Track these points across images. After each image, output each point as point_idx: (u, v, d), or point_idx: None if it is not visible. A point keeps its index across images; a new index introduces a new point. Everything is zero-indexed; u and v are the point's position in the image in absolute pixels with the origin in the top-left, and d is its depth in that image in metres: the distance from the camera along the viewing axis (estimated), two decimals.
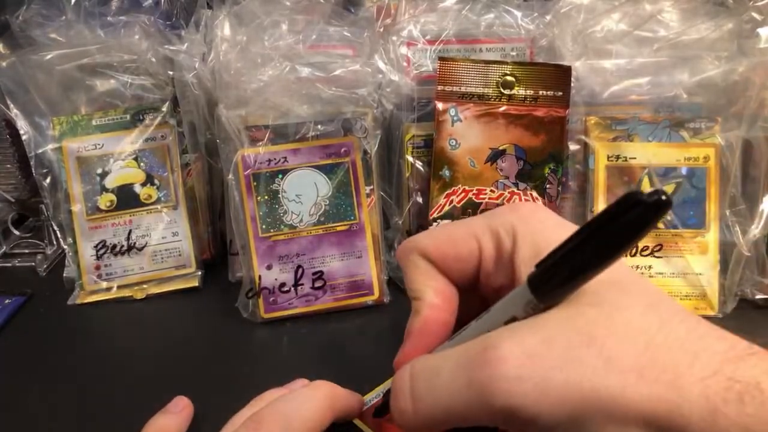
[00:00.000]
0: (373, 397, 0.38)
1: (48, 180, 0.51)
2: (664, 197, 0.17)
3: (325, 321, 0.47)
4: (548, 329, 0.21)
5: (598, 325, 0.21)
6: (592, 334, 0.20)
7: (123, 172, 0.51)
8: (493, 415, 0.21)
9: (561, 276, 0.21)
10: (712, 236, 0.46)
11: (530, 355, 0.20)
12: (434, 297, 0.28)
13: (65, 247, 0.52)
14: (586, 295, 0.22)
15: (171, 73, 0.50)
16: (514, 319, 0.23)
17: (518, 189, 0.46)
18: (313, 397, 0.32)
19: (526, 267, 0.25)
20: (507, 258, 0.26)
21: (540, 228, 0.26)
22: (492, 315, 0.25)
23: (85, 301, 0.50)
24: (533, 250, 0.25)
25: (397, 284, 0.51)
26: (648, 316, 0.21)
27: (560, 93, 0.45)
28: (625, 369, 0.19)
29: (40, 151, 0.50)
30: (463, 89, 0.46)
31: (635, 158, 0.46)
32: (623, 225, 0.18)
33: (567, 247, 0.21)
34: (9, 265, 0.57)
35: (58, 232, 0.53)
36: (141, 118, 0.51)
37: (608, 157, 0.46)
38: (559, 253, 0.21)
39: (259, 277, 0.46)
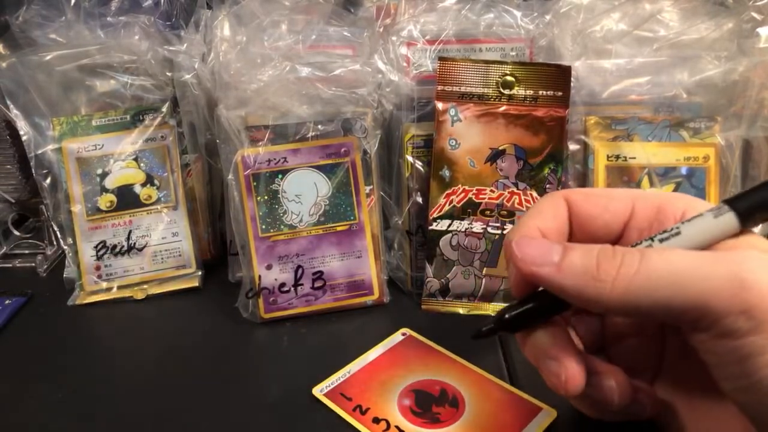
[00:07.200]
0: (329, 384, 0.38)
1: (48, 180, 0.51)
2: None
3: (325, 321, 0.47)
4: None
5: None
6: None
7: (123, 173, 0.51)
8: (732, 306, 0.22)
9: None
10: None
11: None
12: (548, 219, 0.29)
13: (65, 247, 0.52)
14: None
15: (171, 73, 0.50)
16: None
17: (518, 189, 0.46)
18: None
19: None
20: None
21: None
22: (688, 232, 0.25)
23: (85, 301, 0.50)
24: None
25: (397, 284, 0.51)
26: None
27: (560, 93, 0.45)
28: None
29: (40, 151, 0.50)
30: (462, 89, 0.46)
31: (635, 158, 0.46)
32: None
33: None
34: (9, 265, 0.57)
35: (58, 233, 0.53)
36: (141, 118, 0.51)
37: (608, 157, 0.46)
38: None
39: (259, 277, 0.46)
